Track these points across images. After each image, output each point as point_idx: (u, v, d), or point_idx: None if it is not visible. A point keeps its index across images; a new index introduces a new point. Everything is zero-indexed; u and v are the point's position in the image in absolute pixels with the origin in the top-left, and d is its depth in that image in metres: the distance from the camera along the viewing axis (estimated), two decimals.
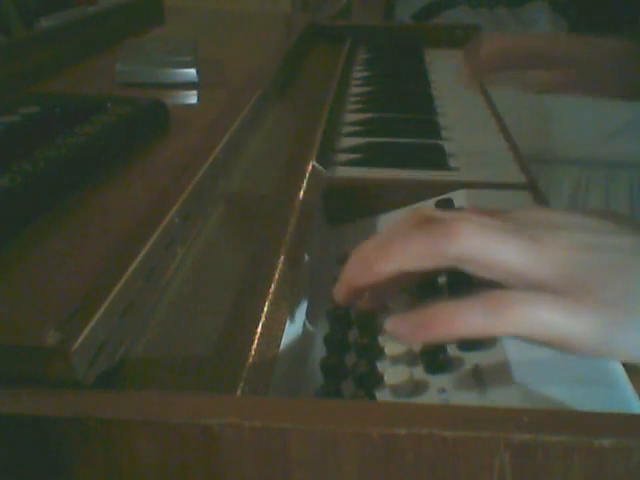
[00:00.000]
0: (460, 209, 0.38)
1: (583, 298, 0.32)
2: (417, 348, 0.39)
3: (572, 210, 0.37)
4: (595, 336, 0.32)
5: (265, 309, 0.36)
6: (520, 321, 0.32)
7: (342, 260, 0.48)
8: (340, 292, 0.38)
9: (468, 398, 0.34)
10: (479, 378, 0.35)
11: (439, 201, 0.54)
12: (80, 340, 0.28)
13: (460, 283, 0.38)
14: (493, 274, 0.34)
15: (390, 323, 0.34)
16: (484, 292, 0.32)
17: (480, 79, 0.84)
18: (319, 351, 0.40)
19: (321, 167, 0.57)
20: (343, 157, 0.65)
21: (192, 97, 0.67)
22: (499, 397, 0.33)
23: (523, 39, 0.81)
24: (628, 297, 0.32)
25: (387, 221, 0.55)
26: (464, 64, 0.85)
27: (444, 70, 1.03)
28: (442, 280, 0.42)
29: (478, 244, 0.33)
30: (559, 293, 0.32)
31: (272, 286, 0.38)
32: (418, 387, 0.35)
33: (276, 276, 0.39)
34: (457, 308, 0.32)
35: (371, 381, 0.37)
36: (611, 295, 0.32)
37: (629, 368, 0.36)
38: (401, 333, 0.34)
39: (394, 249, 0.35)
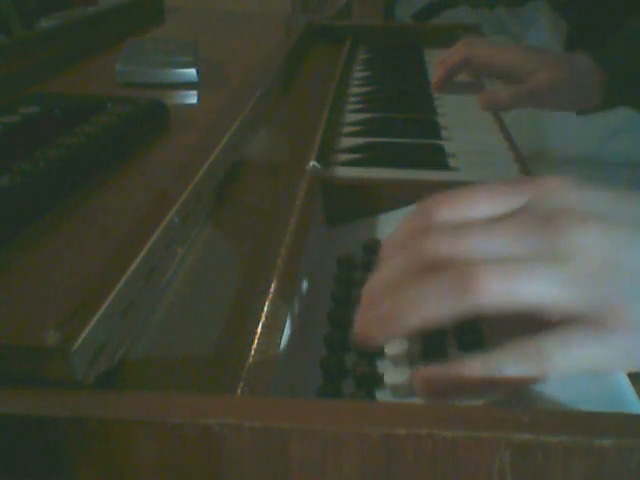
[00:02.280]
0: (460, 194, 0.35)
1: (613, 324, 0.31)
2: (417, 348, 0.39)
3: (588, 191, 0.34)
4: (624, 359, 0.32)
5: (265, 309, 0.36)
6: (562, 367, 0.31)
7: (342, 260, 0.48)
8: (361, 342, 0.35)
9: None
10: None
11: None
12: (80, 340, 0.28)
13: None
14: (521, 311, 0.32)
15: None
16: (514, 346, 0.31)
17: (448, 82, 0.87)
18: (319, 351, 0.40)
19: (321, 167, 0.57)
20: (343, 157, 0.65)
21: (192, 97, 0.67)
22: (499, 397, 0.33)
23: (490, 49, 0.84)
24: None
25: (387, 221, 0.55)
26: (436, 66, 0.88)
27: None
28: None
29: (502, 291, 0.31)
30: (591, 322, 0.31)
31: (272, 286, 0.38)
32: None
33: (276, 276, 0.39)
34: (495, 369, 0.31)
35: (371, 381, 0.37)
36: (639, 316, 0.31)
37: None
38: None
39: (408, 315, 0.32)
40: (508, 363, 0.31)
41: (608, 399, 0.35)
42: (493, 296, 0.31)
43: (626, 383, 0.36)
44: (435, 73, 0.90)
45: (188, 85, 0.67)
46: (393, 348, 0.38)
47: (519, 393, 0.33)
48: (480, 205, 0.34)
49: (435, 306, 0.31)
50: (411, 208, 0.37)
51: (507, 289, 0.31)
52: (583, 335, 0.31)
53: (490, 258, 0.32)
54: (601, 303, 0.31)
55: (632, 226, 0.33)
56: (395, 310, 0.32)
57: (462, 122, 0.78)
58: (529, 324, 0.32)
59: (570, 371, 0.31)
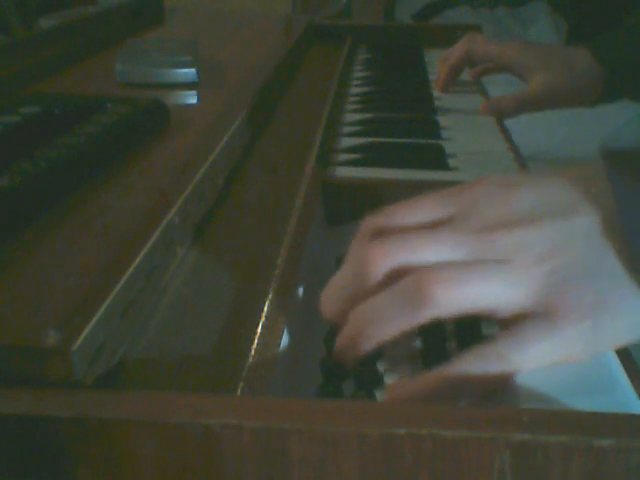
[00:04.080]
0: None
1: (563, 315, 0.32)
2: (417, 348, 0.39)
3: (514, 193, 0.35)
4: (584, 345, 0.32)
5: (265, 309, 0.36)
6: (522, 365, 0.32)
7: (342, 260, 0.48)
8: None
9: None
10: None
11: None
12: (80, 340, 0.28)
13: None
14: (478, 313, 0.33)
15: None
16: (474, 350, 0.32)
17: (452, 82, 0.88)
18: (319, 351, 0.40)
19: (321, 167, 0.57)
20: (343, 157, 0.65)
21: (192, 97, 0.67)
22: (499, 396, 0.33)
23: (489, 46, 0.84)
24: (604, 294, 0.32)
25: None
26: (439, 66, 0.89)
27: None
28: None
29: (454, 300, 0.32)
30: (541, 316, 0.32)
31: (272, 286, 0.38)
32: None
33: (276, 276, 0.39)
34: (458, 377, 0.32)
35: (371, 381, 0.37)
36: (588, 301, 0.32)
37: (629, 369, 0.36)
38: None
39: (374, 334, 0.33)
40: (470, 369, 0.32)
41: (598, 381, 0.35)
42: (448, 304, 0.32)
43: (616, 363, 0.36)
44: (439, 72, 0.90)
45: (188, 85, 0.67)
46: (393, 348, 0.38)
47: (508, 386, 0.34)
48: (416, 215, 0.36)
49: (396, 321, 0.33)
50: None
51: (460, 295, 0.32)
52: (534, 331, 0.32)
53: (433, 265, 0.33)
54: (546, 297, 0.32)
55: (560, 217, 0.34)
56: (361, 331, 0.34)
57: (462, 122, 0.78)
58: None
59: (531, 367, 0.32)
